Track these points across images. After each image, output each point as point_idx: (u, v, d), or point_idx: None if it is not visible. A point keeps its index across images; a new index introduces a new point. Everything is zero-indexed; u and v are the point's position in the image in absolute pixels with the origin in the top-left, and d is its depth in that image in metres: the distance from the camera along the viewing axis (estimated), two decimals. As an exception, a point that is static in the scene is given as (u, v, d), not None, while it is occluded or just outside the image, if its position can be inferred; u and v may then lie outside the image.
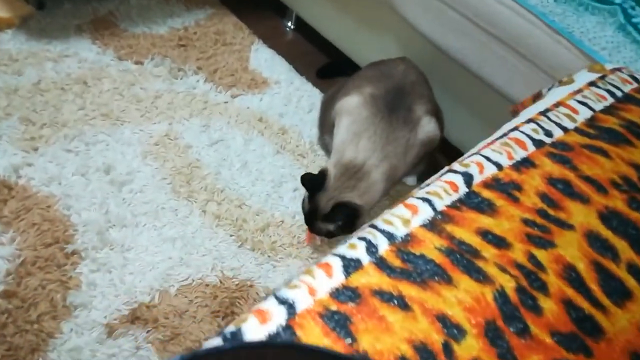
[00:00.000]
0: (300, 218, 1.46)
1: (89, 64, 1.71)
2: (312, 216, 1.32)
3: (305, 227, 1.44)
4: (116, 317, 1.19)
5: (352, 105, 1.40)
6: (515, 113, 1.29)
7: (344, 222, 1.30)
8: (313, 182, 1.31)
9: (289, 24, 2.10)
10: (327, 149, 1.62)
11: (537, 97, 1.25)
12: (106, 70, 1.71)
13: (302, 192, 1.53)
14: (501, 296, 0.59)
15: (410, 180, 1.61)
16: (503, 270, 0.62)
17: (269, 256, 1.37)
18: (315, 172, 1.34)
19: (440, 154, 1.69)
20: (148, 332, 1.18)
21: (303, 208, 1.36)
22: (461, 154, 1.65)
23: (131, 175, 1.45)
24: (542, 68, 1.28)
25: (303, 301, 0.55)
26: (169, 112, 1.64)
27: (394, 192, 1.59)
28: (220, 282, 1.29)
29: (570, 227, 0.69)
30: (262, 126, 1.67)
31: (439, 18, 1.43)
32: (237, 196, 1.48)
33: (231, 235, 1.39)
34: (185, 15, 1.96)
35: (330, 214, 1.29)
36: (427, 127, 1.39)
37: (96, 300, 1.20)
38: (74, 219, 1.33)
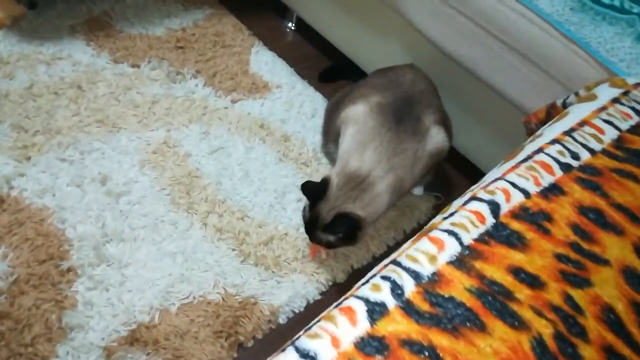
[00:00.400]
0: (304, 231, 1.42)
1: (83, 67, 1.65)
2: (313, 225, 1.27)
3: (309, 240, 1.40)
4: (114, 338, 1.13)
5: (358, 114, 1.35)
6: (528, 123, 1.25)
7: (344, 234, 1.25)
8: (314, 191, 1.26)
9: (290, 24, 2.04)
10: (331, 157, 1.57)
11: (551, 107, 1.21)
12: (101, 73, 1.64)
13: (306, 202, 1.48)
14: (539, 345, 0.55)
15: (417, 190, 1.57)
16: (539, 314, 0.57)
17: (272, 271, 1.32)
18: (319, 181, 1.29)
19: (446, 163, 1.65)
20: (148, 354, 1.13)
21: (303, 216, 1.31)
22: (468, 163, 1.63)
23: (128, 185, 1.40)
24: (556, 78, 1.24)
25: (326, 354, 0.51)
26: (167, 118, 1.58)
27: (401, 202, 1.55)
28: (223, 299, 1.24)
29: (605, 262, 0.65)
30: (263, 133, 1.61)
31: (448, 24, 1.38)
32: (239, 207, 1.42)
33: (233, 250, 1.34)
34: (183, 16, 1.89)
35: (331, 224, 1.24)
36: (436, 138, 1.34)
37: (93, 321, 1.15)
38: (69, 234, 1.28)
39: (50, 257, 1.22)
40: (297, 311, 1.29)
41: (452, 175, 1.69)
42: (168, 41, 1.79)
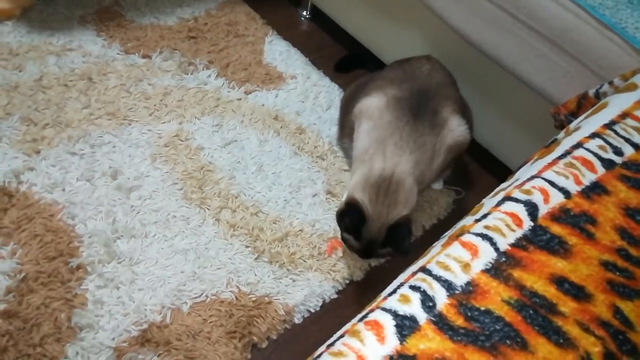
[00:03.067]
0: (320, 227, 1.37)
1: (93, 58, 1.60)
2: (371, 249, 1.20)
3: (326, 237, 1.35)
4: (125, 339, 1.10)
5: (373, 108, 1.29)
6: (557, 115, 1.18)
7: (405, 242, 1.17)
8: (353, 222, 1.18)
9: (305, 13, 1.98)
10: (347, 152, 1.51)
11: (583, 98, 1.14)
12: (112, 64, 1.60)
13: (322, 197, 1.43)
14: (588, 365, 0.49)
15: (437, 184, 1.51)
16: (586, 330, 0.52)
17: (287, 269, 1.28)
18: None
19: (467, 156, 1.59)
20: (159, 355, 1.09)
21: (351, 247, 1.23)
22: (490, 156, 1.56)
23: (140, 180, 1.36)
24: (589, 67, 1.17)
25: (352, 375, 0.46)
26: (179, 110, 1.54)
27: (420, 197, 1.49)
28: (236, 298, 1.20)
29: (656, 270, 0.59)
30: (278, 125, 1.56)
31: (472, 11, 1.31)
32: (252, 203, 1.38)
33: (247, 247, 1.29)
34: (195, 5, 1.84)
35: (389, 238, 1.18)
36: (456, 131, 1.28)
37: (103, 320, 1.11)
38: (79, 230, 1.24)
39: (60, 254, 1.19)
40: (312, 310, 1.25)
41: (473, 169, 1.62)
42: (180, 31, 1.74)
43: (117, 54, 1.63)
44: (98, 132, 1.44)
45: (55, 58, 1.57)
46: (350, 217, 1.18)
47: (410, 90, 1.29)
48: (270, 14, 1.89)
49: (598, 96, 1.07)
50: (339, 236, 1.28)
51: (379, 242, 1.18)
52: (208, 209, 1.34)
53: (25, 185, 1.29)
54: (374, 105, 1.30)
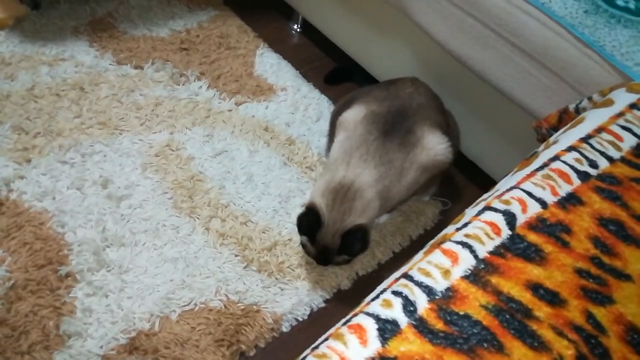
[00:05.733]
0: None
1: (86, 69, 1.62)
2: (325, 255, 1.24)
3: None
4: (113, 347, 1.11)
5: (350, 120, 1.33)
6: (538, 128, 1.22)
7: (360, 247, 1.22)
8: (309, 225, 1.22)
9: (295, 26, 2.01)
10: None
11: (563, 112, 1.17)
12: (104, 75, 1.62)
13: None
14: (561, 368, 0.51)
15: (424, 197, 1.53)
16: (560, 334, 0.54)
17: (276, 278, 1.29)
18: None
19: (454, 168, 1.62)
20: (147, 363, 1.10)
21: (308, 253, 1.27)
22: (476, 168, 1.60)
23: (130, 189, 1.37)
24: (569, 82, 1.21)
25: (335, 376, 0.48)
26: (170, 120, 1.56)
27: (407, 208, 1.52)
28: (225, 306, 1.21)
29: (627, 277, 0.61)
30: (268, 136, 1.59)
31: (456, 26, 1.35)
32: (242, 212, 1.40)
33: (236, 255, 1.31)
34: (187, 17, 1.87)
35: (343, 245, 1.21)
36: (433, 151, 1.30)
37: (92, 328, 1.12)
38: (69, 238, 1.25)
39: (49, 261, 1.20)
40: (300, 319, 1.26)
41: (459, 181, 1.65)
42: (172, 43, 1.77)
43: (110, 64, 1.65)
44: (89, 141, 1.45)
45: (47, 68, 1.59)
46: (307, 219, 1.22)
47: (388, 108, 1.33)
48: (261, 27, 1.93)
49: (578, 111, 1.10)
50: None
51: (335, 250, 1.22)
52: (198, 218, 1.35)
53: (16, 193, 1.30)
54: (351, 117, 1.34)
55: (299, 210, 1.44)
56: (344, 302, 1.32)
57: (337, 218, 1.20)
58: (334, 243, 1.21)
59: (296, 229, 1.27)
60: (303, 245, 1.28)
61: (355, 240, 1.21)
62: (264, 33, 1.91)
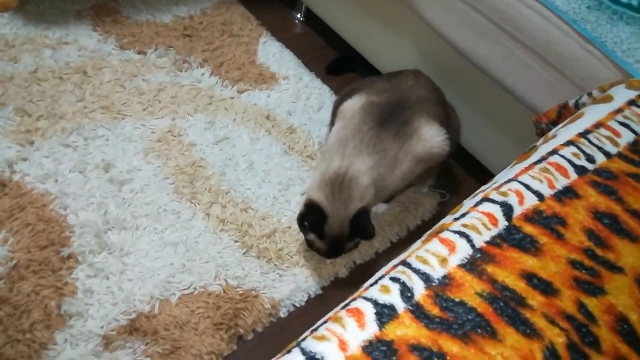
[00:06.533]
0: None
1: (89, 53, 1.62)
2: (337, 246, 1.25)
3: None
4: (113, 327, 1.12)
5: (348, 109, 1.34)
6: (538, 123, 1.23)
7: (369, 228, 1.23)
8: (317, 222, 1.23)
9: (299, 15, 2.01)
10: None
11: (563, 107, 1.18)
12: (107, 59, 1.62)
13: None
14: (551, 354, 0.53)
15: (422, 188, 1.55)
16: (552, 322, 0.56)
17: (275, 264, 1.31)
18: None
19: (453, 160, 1.63)
20: (147, 344, 1.12)
21: (318, 250, 1.27)
22: (475, 161, 1.61)
23: (132, 173, 1.38)
24: (569, 78, 1.22)
25: (333, 357, 0.49)
26: (173, 106, 1.56)
27: (405, 198, 1.54)
28: (224, 291, 1.23)
29: (619, 270, 0.63)
30: (269, 124, 1.59)
31: (461, 20, 1.35)
32: (242, 199, 1.41)
33: (236, 241, 1.32)
34: (191, 4, 1.87)
35: (353, 230, 1.23)
36: (429, 142, 1.31)
37: (92, 309, 1.14)
38: (71, 220, 1.26)
39: (51, 243, 1.21)
40: (298, 305, 1.28)
41: (458, 173, 1.67)
42: (175, 29, 1.77)
43: (113, 49, 1.66)
44: (92, 125, 1.46)
45: (50, 51, 1.59)
46: (311, 216, 1.22)
47: (387, 99, 1.34)
48: (265, 15, 1.93)
49: (577, 106, 1.11)
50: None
51: (345, 237, 1.23)
52: (198, 204, 1.37)
53: (19, 175, 1.31)
54: (349, 107, 1.34)
55: (299, 198, 1.45)
56: (341, 289, 1.34)
57: (340, 207, 1.22)
58: (344, 231, 1.22)
59: (296, 221, 1.27)
60: (310, 243, 1.28)
61: (367, 223, 1.22)
62: (267, 21, 1.91)
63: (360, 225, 1.23)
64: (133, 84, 1.58)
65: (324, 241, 1.24)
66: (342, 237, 1.23)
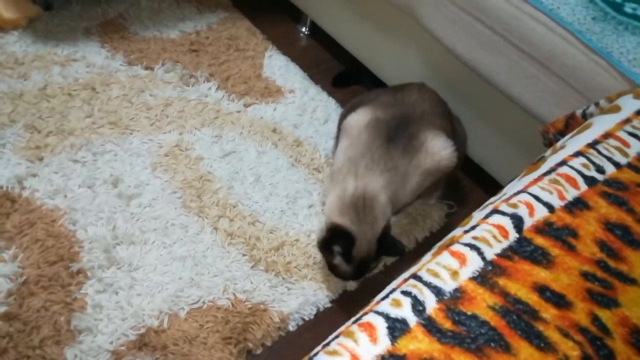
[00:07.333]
0: (316, 237, 1.40)
1: (97, 69, 1.64)
2: (364, 268, 1.24)
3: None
4: (123, 342, 1.12)
5: (354, 126, 1.33)
6: (545, 133, 1.23)
7: (397, 244, 1.25)
8: (347, 246, 1.21)
9: (304, 29, 2.03)
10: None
11: (570, 118, 1.18)
12: (115, 75, 1.64)
13: (317, 208, 1.47)
14: (566, 368, 0.53)
15: (430, 200, 1.55)
16: (566, 335, 0.55)
17: (283, 278, 1.31)
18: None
19: (460, 172, 1.63)
20: (156, 359, 1.11)
21: (343, 274, 1.25)
22: (482, 172, 1.61)
23: (140, 188, 1.39)
24: (576, 88, 1.22)
25: (346, 372, 0.49)
26: (180, 121, 1.57)
27: (413, 210, 1.53)
28: (233, 305, 1.23)
29: (632, 281, 0.63)
30: (276, 137, 1.60)
31: (465, 32, 1.36)
32: (250, 212, 1.41)
33: (244, 255, 1.32)
34: (197, 19, 1.89)
35: (380, 249, 1.22)
36: (437, 155, 1.31)
37: (102, 324, 1.14)
38: (80, 235, 1.27)
39: (61, 258, 1.22)
40: (307, 319, 1.28)
41: (465, 184, 1.67)
42: (182, 44, 1.79)
43: (120, 65, 1.68)
44: (100, 140, 1.47)
45: (59, 68, 1.61)
46: (341, 242, 1.20)
47: (393, 114, 1.33)
48: (270, 29, 1.95)
49: (585, 116, 1.11)
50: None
51: (372, 258, 1.22)
52: (206, 218, 1.37)
53: (28, 190, 1.32)
54: (355, 123, 1.34)
55: (307, 211, 1.45)
56: (350, 302, 1.34)
57: (367, 229, 1.20)
58: (371, 252, 1.21)
59: (318, 246, 1.26)
60: (334, 267, 1.25)
61: (395, 241, 1.24)
62: (272, 35, 1.92)
63: (390, 243, 1.23)
64: (141, 99, 1.60)
65: (351, 264, 1.22)
66: (369, 258, 1.22)
